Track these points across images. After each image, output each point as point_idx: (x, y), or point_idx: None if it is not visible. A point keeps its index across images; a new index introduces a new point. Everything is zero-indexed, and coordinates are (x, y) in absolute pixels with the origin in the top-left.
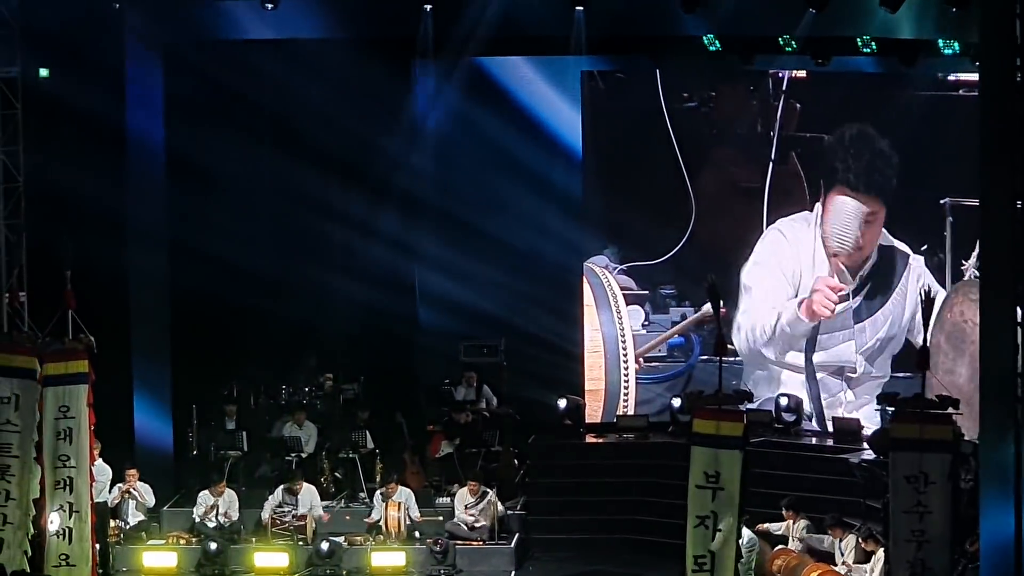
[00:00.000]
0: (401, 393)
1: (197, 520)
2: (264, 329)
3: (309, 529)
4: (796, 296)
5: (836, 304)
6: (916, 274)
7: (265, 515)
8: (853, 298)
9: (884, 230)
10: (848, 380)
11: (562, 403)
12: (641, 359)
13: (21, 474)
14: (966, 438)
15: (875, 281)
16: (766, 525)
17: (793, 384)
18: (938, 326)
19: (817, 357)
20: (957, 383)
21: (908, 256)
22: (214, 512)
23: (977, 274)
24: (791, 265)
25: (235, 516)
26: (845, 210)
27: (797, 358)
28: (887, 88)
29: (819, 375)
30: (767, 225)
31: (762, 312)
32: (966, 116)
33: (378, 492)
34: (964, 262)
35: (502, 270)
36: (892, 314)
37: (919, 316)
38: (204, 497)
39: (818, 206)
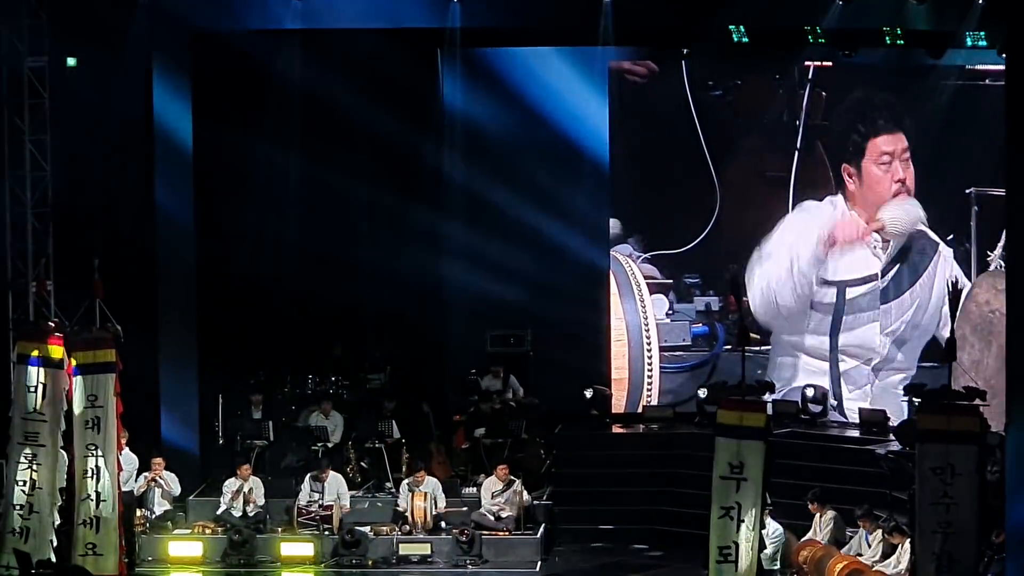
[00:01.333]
0: (428, 383)
1: (224, 505)
2: (291, 319)
3: (335, 519)
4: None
5: (860, 236)
6: (945, 263)
7: (300, 503)
8: (881, 278)
9: None
10: (873, 367)
11: (588, 393)
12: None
13: (48, 463)
14: (993, 429)
15: (904, 264)
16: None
17: (816, 371)
18: (964, 317)
19: (842, 339)
20: (985, 374)
21: (938, 245)
22: (240, 497)
23: (1003, 264)
24: (815, 234)
25: (260, 501)
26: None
27: (822, 342)
28: (913, 77)
29: (844, 365)
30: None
31: (778, 265)
32: (992, 105)
33: (404, 482)
34: (990, 252)
35: (529, 260)
36: (919, 298)
37: (945, 307)
38: (230, 484)
39: (850, 190)
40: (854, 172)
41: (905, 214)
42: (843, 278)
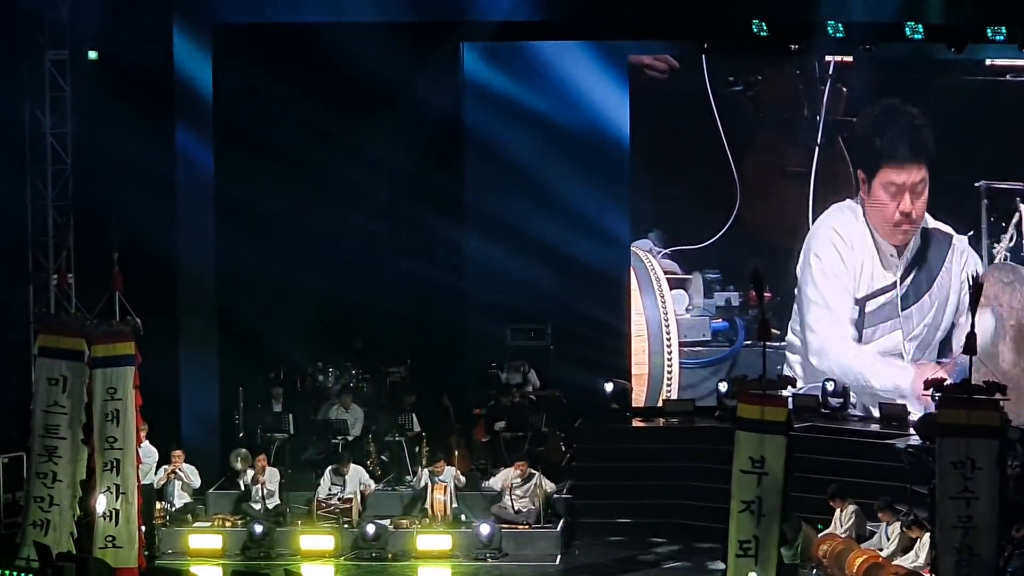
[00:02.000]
0: (448, 377)
1: (243, 483)
2: (311, 312)
3: (355, 512)
4: (856, 290)
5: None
6: (960, 254)
7: (320, 496)
8: (900, 284)
9: (927, 213)
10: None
11: (609, 387)
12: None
13: (69, 456)
14: (1012, 424)
15: (920, 265)
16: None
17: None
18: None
19: (867, 348)
20: (1000, 367)
21: (951, 237)
22: (259, 488)
23: (1010, 256)
24: (852, 267)
25: (273, 488)
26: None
27: (845, 349)
28: (933, 72)
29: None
30: (812, 209)
31: (839, 340)
32: (1012, 100)
33: (425, 469)
34: (996, 244)
35: (549, 255)
36: (938, 299)
37: (963, 299)
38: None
39: (861, 195)
40: (865, 181)
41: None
42: (862, 294)
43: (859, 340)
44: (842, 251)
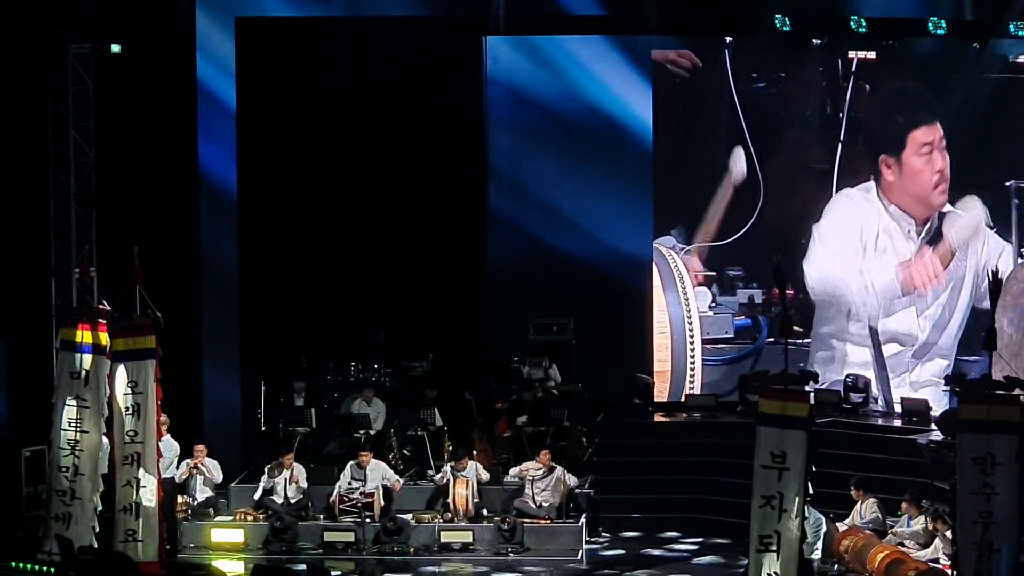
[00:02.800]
0: (470, 371)
1: (262, 486)
2: (334, 306)
3: (377, 506)
4: (864, 252)
5: (934, 281)
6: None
7: (340, 490)
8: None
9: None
10: (914, 353)
11: (644, 378)
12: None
13: (90, 450)
14: None
15: (938, 245)
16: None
17: (859, 360)
18: (1000, 308)
19: (881, 324)
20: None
21: None
22: (283, 482)
23: None
24: (859, 224)
25: (304, 484)
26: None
27: (861, 328)
28: (955, 69)
29: (884, 348)
30: None
31: (839, 264)
32: None
33: (448, 465)
34: None
35: (572, 250)
36: (954, 279)
37: (983, 288)
38: (271, 470)
39: (886, 180)
40: (893, 163)
41: (967, 224)
42: (879, 265)
43: (878, 313)
44: (852, 208)
